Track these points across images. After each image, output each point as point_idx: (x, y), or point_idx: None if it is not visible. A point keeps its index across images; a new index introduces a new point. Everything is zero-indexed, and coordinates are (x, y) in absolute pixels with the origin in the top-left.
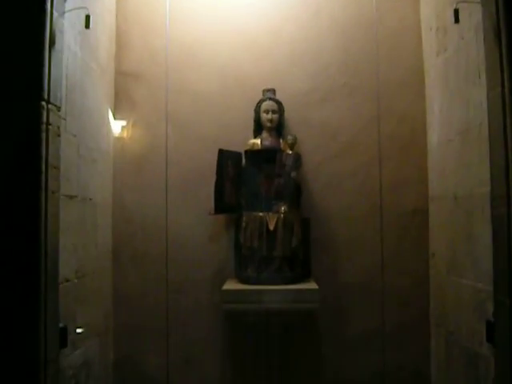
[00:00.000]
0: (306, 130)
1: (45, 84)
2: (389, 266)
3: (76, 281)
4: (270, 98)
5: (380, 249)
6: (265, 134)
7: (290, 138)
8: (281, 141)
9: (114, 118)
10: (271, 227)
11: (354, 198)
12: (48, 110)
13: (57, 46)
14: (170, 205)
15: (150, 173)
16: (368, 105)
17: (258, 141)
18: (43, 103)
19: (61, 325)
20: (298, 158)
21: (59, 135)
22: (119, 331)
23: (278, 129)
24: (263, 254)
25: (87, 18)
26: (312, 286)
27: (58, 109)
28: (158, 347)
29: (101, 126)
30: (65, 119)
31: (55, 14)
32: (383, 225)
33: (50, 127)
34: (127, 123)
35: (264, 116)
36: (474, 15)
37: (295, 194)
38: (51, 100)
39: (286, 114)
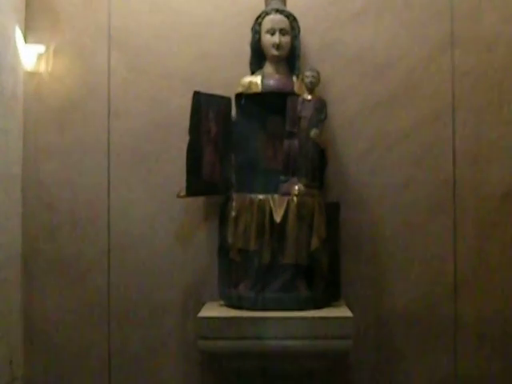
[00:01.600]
0: (334, 63)
1: None
2: (465, 282)
3: None
4: (278, 10)
5: (451, 254)
6: (269, 69)
7: (308, 74)
8: (294, 79)
9: (25, 42)
10: (278, 218)
11: (412, 172)
12: None
13: None
14: (115, 182)
15: (83, 131)
16: (436, 23)
17: (258, 79)
18: None
19: None
20: (321, 108)
21: None
22: None
23: (290, 60)
24: (265, 261)
25: None
26: (343, 312)
27: None
28: None
29: (2, 54)
30: None
31: None
32: (457, 216)
33: None
34: (46, 50)
35: (267, 39)
36: None
37: (317, 164)
38: None
39: (304, 37)
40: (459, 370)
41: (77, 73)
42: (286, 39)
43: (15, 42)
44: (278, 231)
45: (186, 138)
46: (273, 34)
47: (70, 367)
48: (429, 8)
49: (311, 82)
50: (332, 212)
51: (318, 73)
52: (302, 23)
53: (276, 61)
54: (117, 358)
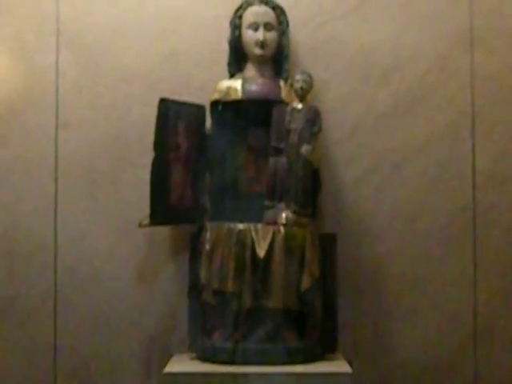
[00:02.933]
0: (329, 64)
1: None
2: (487, 330)
3: None
4: (262, 1)
5: (470, 297)
6: (251, 71)
7: (298, 78)
8: (281, 84)
9: None
10: (261, 253)
11: (423, 196)
12: None
13: None
14: (63, 208)
15: (26, 145)
16: (452, 18)
17: (238, 83)
18: None
19: None
20: (314, 119)
21: None
22: None
23: (277, 61)
24: (245, 304)
25: None
26: (340, 367)
27: None
28: None
29: None
30: None
31: None
32: (477, 250)
33: None
34: None
35: (249, 35)
36: None
37: (309, 187)
38: None
39: (293, 33)
40: None
41: (18, 75)
42: (272, 36)
43: None
44: (261, 268)
45: (151, 155)
46: (256, 29)
47: None
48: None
49: (302, 88)
50: (327, 245)
51: (311, 76)
52: (292, 16)
53: (260, 62)
54: None
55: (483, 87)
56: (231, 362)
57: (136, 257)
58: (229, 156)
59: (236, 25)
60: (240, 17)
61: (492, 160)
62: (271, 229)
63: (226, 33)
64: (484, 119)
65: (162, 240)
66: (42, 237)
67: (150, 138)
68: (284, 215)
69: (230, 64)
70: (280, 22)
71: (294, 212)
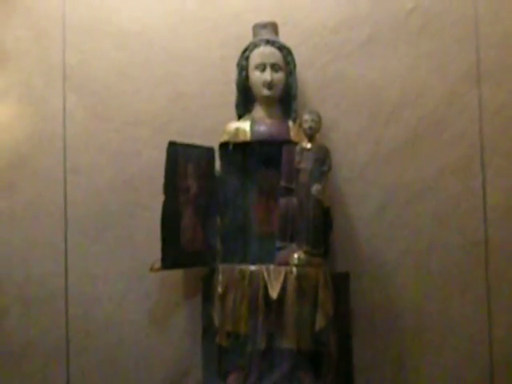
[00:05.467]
0: (338, 103)
1: None
2: (503, 367)
3: None
4: (269, 41)
5: (485, 333)
6: (259, 112)
7: (307, 118)
8: (290, 124)
9: None
10: (274, 294)
11: (435, 233)
12: None
13: None
14: (74, 254)
15: (35, 191)
16: (459, 53)
17: (247, 125)
18: None
19: None
20: (324, 158)
21: None
22: None
23: (285, 101)
24: (259, 346)
25: None
26: None
27: None
28: None
29: None
30: None
31: None
32: (491, 286)
33: None
34: None
35: (257, 76)
36: None
37: (320, 227)
38: None
39: (300, 73)
40: None
41: (26, 121)
42: (279, 76)
43: None
44: (274, 310)
45: (161, 199)
46: (263, 70)
47: None
48: (450, 35)
49: (311, 128)
50: (340, 284)
51: (319, 116)
52: (298, 56)
53: (268, 102)
54: None
55: (492, 121)
56: None
57: (148, 301)
58: (239, 197)
59: (243, 66)
60: (247, 58)
61: (503, 194)
62: (283, 270)
63: (233, 74)
64: (494, 153)
65: (174, 283)
66: (53, 283)
67: (160, 181)
68: (296, 256)
69: (237, 105)
70: (287, 63)
71: (306, 252)
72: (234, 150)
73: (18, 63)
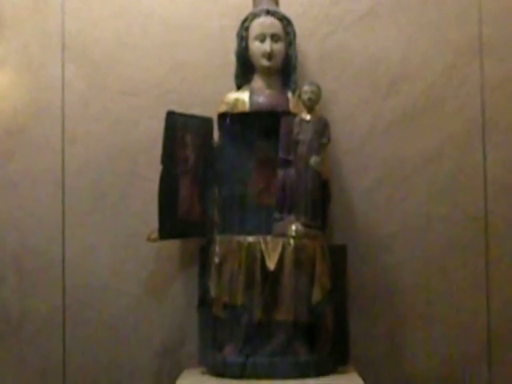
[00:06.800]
0: (337, 75)
1: None
2: (501, 340)
3: None
4: (269, 12)
5: (484, 307)
6: (258, 83)
7: (306, 89)
8: (289, 95)
9: None
10: (271, 265)
11: (434, 207)
12: None
13: None
14: (71, 223)
15: (32, 160)
16: (461, 26)
17: (246, 95)
18: None
19: None
20: (322, 130)
21: None
22: None
23: (285, 72)
24: (255, 318)
25: None
26: (352, 380)
27: None
28: None
29: None
30: None
31: None
32: (490, 260)
33: None
34: None
35: (256, 47)
36: None
37: (318, 199)
38: None
39: (300, 44)
40: None
41: (24, 89)
42: (279, 47)
43: None
44: (271, 281)
45: (158, 168)
46: (263, 40)
47: None
48: (452, 7)
49: (310, 99)
50: (337, 257)
51: (319, 87)
52: (299, 27)
53: (267, 73)
54: None
55: (493, 95)
56: (242, 377)
57: (145, 271)
58: (237, 168)
59: (243, 36)
60: (247, 28)
61: (504, 168)
62: (281, 241)
63: (232, 44)
64: (495, 127)
65: (171, 254)
66: (50, 252)
67: (158, 151)
68: (294, 227)
69: (237, 76)
70: (287, 33)
71: (304, 224)
72: (233, 120)
73: (15, 31)
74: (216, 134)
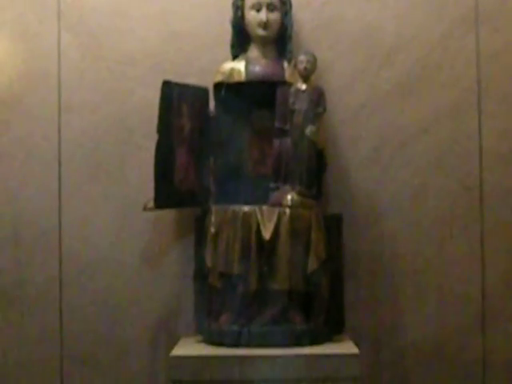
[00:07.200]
0: (333, 45)
1: None
2: (495, 310)
3: None
4: None
5: (478, 277)
6: (254, 52)
7: (302, 59)
8: (285, 65)
9: None
10: (267, 235)
11: (429, 176)
12: None
13: None
14: (67, 192)
15: (28, 129)
16: None
17: (242, 65)
18: None
19: None
20: (318, 99)
21: None
22: None
23: (280, 42)
24: (251, 287)
25: None
26: (347, 348)
27: None
28: None
29: None
30: None
31: None
32: (484, 230)
33: None
34: None
35: (252, 16)
36: None
37: (314, 168)
38: None
39: (296, 13)
40: None
41: (20, 58)
42: (275, 16)
43: None
44: (267, 251)
45: (154, 138)
46: (258, 9)
47: None
48: None
49: (306, 69)
50: (333, 226)
51: (315, 57)
52: None
53: (263, 43)
54: None
55: (489, 65)
56: (237, 345)
57: (141, 240)
58: (233, 138)
59: (238, 6)
60: None
61: (499, 138)
62: (276, 211)
63: (228, 13)
64: (490, 97)
65: (167, 223)
66: (46, 221)
67: (154, 120)
68: (289, 197)
69: (232, 45)
70: (283, 3)
71: (299, 193)
72: (229, 90)
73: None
74: (212, 104)
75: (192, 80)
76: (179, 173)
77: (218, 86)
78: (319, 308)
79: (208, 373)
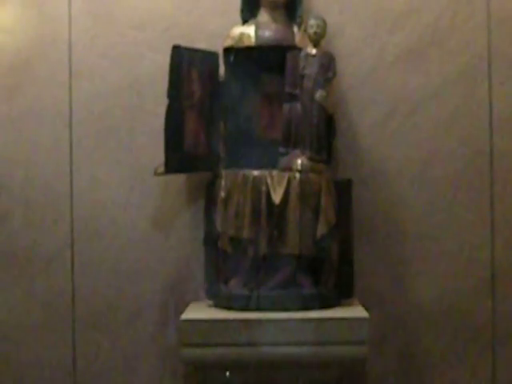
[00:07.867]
0: (343, 9)
1: None
2: (505, 274)
3: None
4: None
5: (488, 241)
6: (264, 17)
7: (312, 23)
8: (295, 29)
9: None
10: (276, 199)
11: (439, 141)
12: None
13: None
14: (78, 158)
15: (38, 95)
16: None
17: (251, 29)
18: None
19: None
20: (328, 64)
21: None
22: None
23: (290, 6)
24: (261, 251)
25: None
26: (357, 312)
27: None
28: None
29: None
30: None
31: None
32: (494, 194)
33: None
34: None
35: None
36: None
37: (323, 133)
38: None
39: None
40: (498, 379)
41: (29, 24)
42: None
43: None
44: (276, 215)
45: (165, 103)
46: None
47: None
48: None
49: (316, 33)
50: (343, 191)
51: (324, 21)
52: None
53: (273, 7)
54: (83, 371)
55: (499, 30)
56: (247, 309)
57: (151, 205)
58: (243, 103)
59: None
60: None
61: (509, 103)
62: (286, 175)
63: None
64: (500, 62)
65: (178, 188)
66: (58, 186)
67: (164, 85)
68: (299, 161)
69: (242, 10)
70: None
71: (309, 158)
72: (238, 55)
73: None
74: (222, 69)
75: (202, 45)
76: (189, 137)
77: (227, 51)
78: (328, 272)
79: (217, 336)
